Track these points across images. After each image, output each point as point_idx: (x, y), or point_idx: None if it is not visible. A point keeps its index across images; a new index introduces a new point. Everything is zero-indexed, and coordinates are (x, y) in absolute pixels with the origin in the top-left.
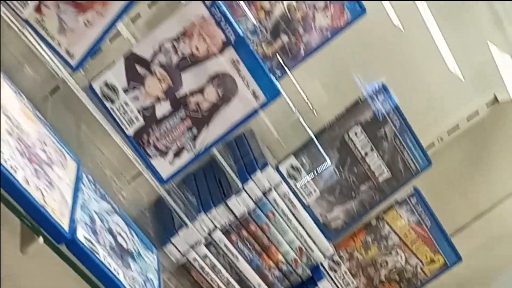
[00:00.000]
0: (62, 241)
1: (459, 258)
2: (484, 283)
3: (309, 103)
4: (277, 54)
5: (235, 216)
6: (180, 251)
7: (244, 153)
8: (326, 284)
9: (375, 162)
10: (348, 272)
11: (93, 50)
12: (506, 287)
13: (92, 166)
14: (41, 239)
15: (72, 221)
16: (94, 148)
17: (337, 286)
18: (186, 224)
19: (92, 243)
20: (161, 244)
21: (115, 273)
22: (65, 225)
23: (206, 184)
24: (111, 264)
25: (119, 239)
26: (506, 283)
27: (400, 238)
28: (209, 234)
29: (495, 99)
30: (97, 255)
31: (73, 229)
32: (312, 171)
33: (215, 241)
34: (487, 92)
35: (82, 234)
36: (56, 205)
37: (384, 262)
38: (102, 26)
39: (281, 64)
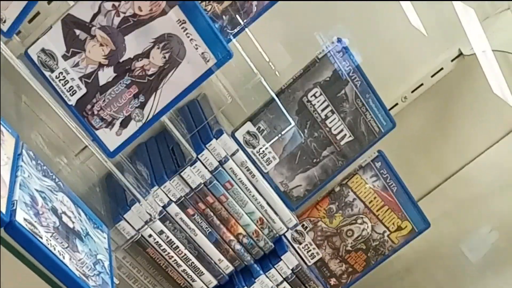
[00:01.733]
0: None
1: (427, 224)
2: (455, 245)
3: (269, 63)
4: (227, 12)
5: (191, 188)
6: (134, 228)
7: (198, 120)
8: (290, 256)
9: (336, 125)
10: (312, 243)
11: (26, 13)
12: (476, 247)
13: (34, 141)
14: None
15: (10, 202)
16: (36, 121)
17: (301, 258)
18: (138, 199)
19: (33, 225)
20: (114, 221)
21: (60, 257)
22: (2, 207)
23: (159, 155)
24: (56, 247)
25: (64, 218)
26: (476, 243)
27: (365, 205)
28: (164, 208)
29: (460, 54)
30: (39, 238)
31: (11, 211)
32: (270, 136)
33: (170, 216)
34: (452, 47)
35: (21, 216)
36: None
37: (350, 231)
38: None
39: (232, 23)
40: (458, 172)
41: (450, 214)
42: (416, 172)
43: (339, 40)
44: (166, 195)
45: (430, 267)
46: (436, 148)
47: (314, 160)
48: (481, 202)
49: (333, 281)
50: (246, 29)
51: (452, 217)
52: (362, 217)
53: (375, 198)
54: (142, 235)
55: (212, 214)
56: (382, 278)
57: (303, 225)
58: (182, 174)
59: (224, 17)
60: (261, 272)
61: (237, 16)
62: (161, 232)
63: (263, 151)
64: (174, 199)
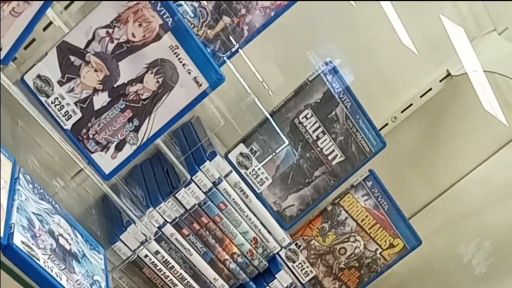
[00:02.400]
0: None
1: (419, 242)
2: (448, 260)
3: (263, 82)
4: (219, 36)
5: (186, 209)
6: (130, 248)
7: (191, 143)
8: (284, 275)
9: (327, 146)
10: (306, 261)
11: (22, 40)
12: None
13: (31, 165)
14: None
15: (8, 226)
16: (32, 145)
17: (296, 276)
18: (134, 220)
19: (30, 247)
20: (110, 242)
21: (57, 278)
22: (0, 230)
23: (154, 177)
24: (53, 269)
25: (61, 240)
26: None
27: (357, 224)
28: (160, 229)
29: (448, 74)
30: (36, 260)
31: (9, 234)
32: (263, 157)
33: (166, 236)
34: (440, 68)
35: (19, 239)
36: None
37: (343, 249)
38: (30, 15)
39: (224, 47)
40: (450, 189)
41: (442, 229)
42: (408, 189)
43: (329, 62)
44: (161, 216)
45: (424, 282)
46: (427, 166)
47: (307, 180)
48: (473, 218)
49: None
50: (239, 50)
51: (445, 232)
52: (354, 235)
53: (367, 216)
54: (138, 256)
55: (207, 234)
56: None
57: (296, 244)
58: (176, 195)
59: (216, 41)
60: None
61: (230, 39)
62: (157, 252)
63: (256, 172)
64: (169, 220)
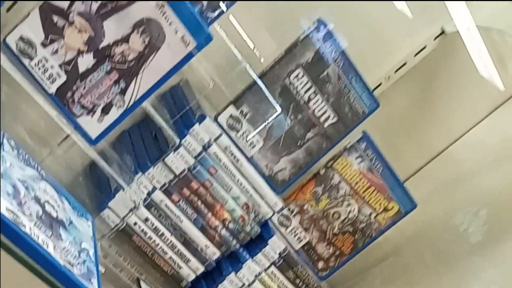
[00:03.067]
0: None
1: (413, 205)
2: (442, 225)
3: (254, 49)
4: None
5: (175, 174)
6: (119, 216)
7: (180, 106)
8: (276, 241)
9: (319, 106)
10: (299, 227)
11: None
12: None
13: (16, 130)
14: None
15: None
16: (17, 110)
17: (288, 242)
18: (123, 187)
19: (16, 214)
20: (98, 209)
21: (44, 246)
22: None
23: (142, 142)
24: (39, 236)
25: (48, 207)
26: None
27: (351, 187)
28: (149, 195)
29: (442, 32)
30: (22, 227)
31: None
32: (254, 120)
33: (155, 202)
34: (434, 25)
35: (4, 205)
36: None
37: (337, 214)
38: None
39: (212, 6)
40: (443, 152)
41: (436, 194)
42: (401, 152)
43: (320, 22)
44: (150, 182)
45: (419, 248)
46: (420, 128)
47: (299, 143)
48: (467, 181)
49: (321, 264)
50: (230, 15)
51: (439, 197)
52: (348, 199)
53: (360, 179)
54: (127, 223)
55: (197, 200)
56: (371, 260)
57: (289, 209)
58: (165, 160)
59: (203, 0)
60: (248, 257)
61: None
62: (146, 219)
63: (247, 134)
64: (158, 186)
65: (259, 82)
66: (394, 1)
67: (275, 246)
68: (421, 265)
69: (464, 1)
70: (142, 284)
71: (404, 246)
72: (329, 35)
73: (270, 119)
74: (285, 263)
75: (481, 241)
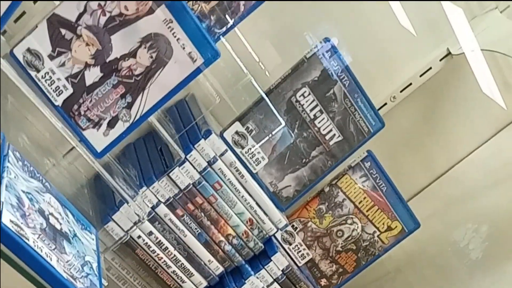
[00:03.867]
0: None
1: (417, 224)
2: (445, 244)
3: (260, 63)
4: (215, 11)
5: (180, 188)
6: (123, 229)
7: (186, 121)
8: (280, 257)
9: (325, 125)
10: (302, 244)
11: (10, 12)
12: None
13: (21, 142)
14: None
15: None
16: (22, 122)
17: (292, 258)
18: (127, 200)
19: (19, 227)
20: (102, 222)
21: (47, 258)
22: None
23: (147, 156)
24: (43, 248)
25: (52, 220)
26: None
27: (355, 205)
28: (153, 209)
29: (448, 53)
30: (25, 240)
31: None
32: (259, 136)
33: (159, 216)
34: (440, 47)
35: (7, 218)
36: None
37: (340, 231)
38: None
39: (219, 23)
40: (447, 172)
41: (439, 213)
42: (405, 171)
43: (327, 40)
44: (155, 195)
45: (421, 267)
46: (425, 148)
47: (304, 160)
48: (470, 202)
49: (323, 281)
50: (236, 29)
51: (442, 216)
52: (352, 218)
53: (364, 198)
54: (131, 236)
55: (201, 215)
56: (372, 278)
57: (293, 226)
58: (170, 174)
59: (211, 16)
60: (252, 273)
61: (225, 15)
62: (150, 233)
63: (252, 151)
64: (163, 200)
65: (266, 98)
66: (399, 19)
67: (278, 262)
68: (422, 281)
69: (468, 24)
70: None
71: (405, 262)
72: (335, 54)
73: (275, 136)
74: (288, 280)
75: (481, 258)
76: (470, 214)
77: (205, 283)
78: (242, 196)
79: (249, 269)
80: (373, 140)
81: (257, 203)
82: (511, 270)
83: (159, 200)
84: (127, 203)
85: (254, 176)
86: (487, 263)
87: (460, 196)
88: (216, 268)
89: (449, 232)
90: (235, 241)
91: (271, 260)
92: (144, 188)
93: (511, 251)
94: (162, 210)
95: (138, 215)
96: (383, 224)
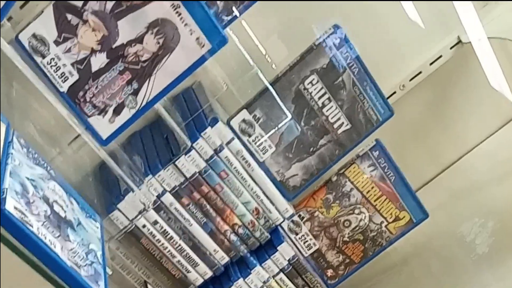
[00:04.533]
0: None
1: (425, 215)
2: (451, 237)
3: (266, 55)
4: None
5: (186, 177)
6: (127, 218)
7: (193, 109)
8: (286, 247)
9: (333, 113)
10: (309, 234)
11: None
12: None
13: (26, 129)
14: None
15: (1, 191)
16: (28, 109)
17: (298, 249)
18: (132, 188)
19: (23, 213)
20: (107, 211)
21: (51, 246)
22: None
23: (153, 144)
24: (47, 236)
25: (56, 207)
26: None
27: (363, 195)
28: (159, 198)
29: (459, 41)
30: (29, 226)
31: (1, 200)
32: (267, 125)
33: (165, 205)
34: (450, 35)
35: (12, 204)
36: None
37: (347, 221)
38: None
39: (227, 9)
40: (455, 163)
41: (446, 206)
42: (413, 162)
43: (336, 27)
44: (161, 184)
45: (427, 259)
46: (433, 138)
47: (311, 149)
48: (477, 194)
49: (330, 272)
50: (243, 21)
51: (448, 209)
52: (359, 207)
53: (372, 188)
54: (135, 225)
55: (207, 204)
56: (379, 270)
57: (299, 216)
58: (176, 163)
59: (218, 2)
60: (257, 263)
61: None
62: (155, 222)
63: (259, 139)
64: (168, 189)
65: (272, 88)
66: (407, 12)
67: (284, 252)
68: (428, 274)
69: (475, 12)
70: (150, 287)
71: (412, 256)
72: (344, 41)
73: (280, 126)
74: (294, 270)
75: (487, 253)
76: (477, 208)
77: (210, 273)
78: (249, 185)
79: (255, 259)
80: (381, 129)
81: (263, 192)
82: None
83: (164, 189)
84: (132, 191)
85: (261, 164)
86: (494, 258)
87: (467, 189)
88: (222, 258)
89: (456, 226)
90: (241, 231)
91: (277, 250)
92: (150, 176)
93: None
94: (168, 199)
95: (143, 203)
96: (391, 214)
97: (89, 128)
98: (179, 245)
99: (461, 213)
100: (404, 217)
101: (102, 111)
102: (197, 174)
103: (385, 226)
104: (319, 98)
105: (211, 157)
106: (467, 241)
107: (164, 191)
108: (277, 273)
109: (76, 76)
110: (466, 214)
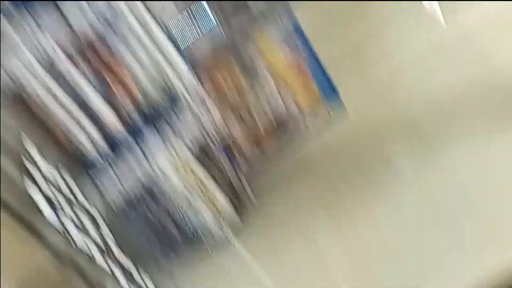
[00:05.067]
0: None
1: (335, 92)
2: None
3: None
4: None
5: (74, 32)
6: (11, 78)
7: None
8: (190, 119)
9: None
10: (210, 100)
11: None
12: None
13: None
14: None
15: None
16: None
17: (202, 124)
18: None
19: None
20: None
21: None
22: None
23: None
24: None
25: None
26: None
27: (271, 67)
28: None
29: None
30: None
31: None
32: None
33: (56, 67)
34: None
35: None
36: None
37: (255, 95)
38: None
39: None
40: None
41: (367, 102)
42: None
43: None
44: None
45: (342, 161)
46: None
47: None
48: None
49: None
50: None
51: (369, 106)
52: (266, 78)
53: (282, 61)
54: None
55: (100, 65)
56: (295, 171)
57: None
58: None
59: None
60: (156, 134)
61: None
62: (44, 82)
63: None
64: (58, 49)
65: None
66: None
67: (187, 125)
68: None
69: None
70: None
71: (328, 158)
72: None
73: None
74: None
75: (406, 160)
76: (398, 106)
77: (105, 146)
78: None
79: (153, 130)
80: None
81: (164, 57)
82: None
83: (54, 49)
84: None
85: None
86: (412, 166)
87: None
88: (117, 129)
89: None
90: (140, 100)
91: (181, 122)
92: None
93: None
94: (60, 58)
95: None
96: (300, 88)
97: None
98: (71, 111)
99: (382, 115)
100: (313, 92)
101: None
102: (89, 30)
103: (294, 100)
104: None
105: (104, 12)
106: (387, 146)
107: (53, 51)
108: (179, 148)
109: None
110: (387, 116)
